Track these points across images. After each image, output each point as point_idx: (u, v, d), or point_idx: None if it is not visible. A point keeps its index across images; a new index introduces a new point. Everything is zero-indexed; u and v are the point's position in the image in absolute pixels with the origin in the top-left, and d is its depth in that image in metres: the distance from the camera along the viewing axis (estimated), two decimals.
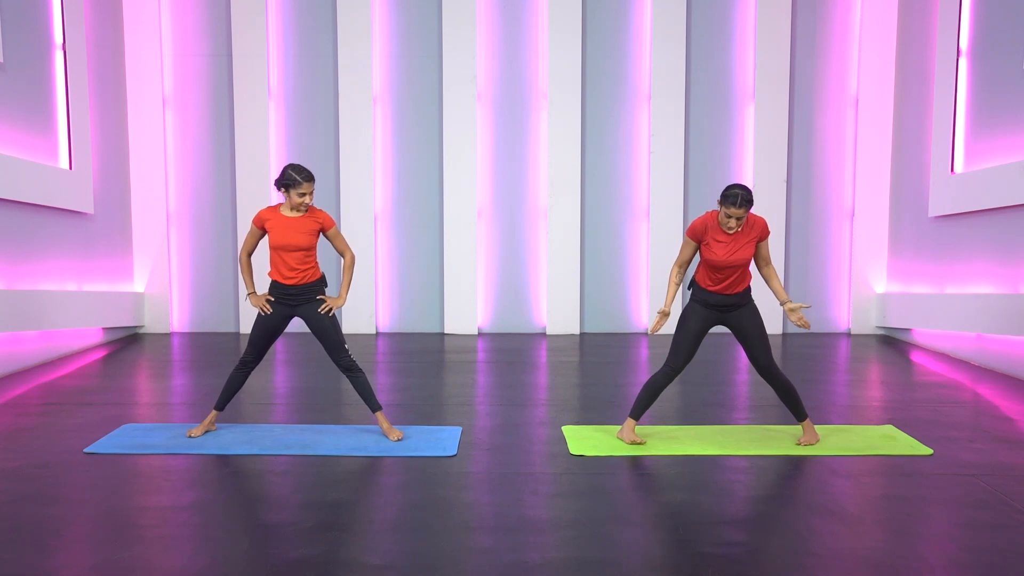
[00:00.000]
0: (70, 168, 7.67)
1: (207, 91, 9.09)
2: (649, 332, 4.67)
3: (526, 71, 9.17)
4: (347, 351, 4.81)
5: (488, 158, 9.21)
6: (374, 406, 4.88)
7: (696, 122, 9.23)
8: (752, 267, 4.75)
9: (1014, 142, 6.95)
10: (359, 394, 4.87)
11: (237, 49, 8.92)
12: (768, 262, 4.67)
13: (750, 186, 8.86)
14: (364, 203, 9.07)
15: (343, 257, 4.88)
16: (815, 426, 5.13)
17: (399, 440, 4.80)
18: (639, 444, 4.70)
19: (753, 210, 5.44)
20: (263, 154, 8.97)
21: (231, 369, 4.93)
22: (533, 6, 9.12)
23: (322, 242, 4.99)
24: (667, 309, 4.63)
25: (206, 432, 4.90)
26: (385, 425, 4.87)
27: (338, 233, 4.85)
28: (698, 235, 4.58)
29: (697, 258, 4.73)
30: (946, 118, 7.82)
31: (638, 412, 4.77)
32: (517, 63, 9.16)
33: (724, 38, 9.20)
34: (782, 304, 4.65)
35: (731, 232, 4.51)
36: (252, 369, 4.89)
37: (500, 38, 9.14)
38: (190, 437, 4.82)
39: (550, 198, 9.10)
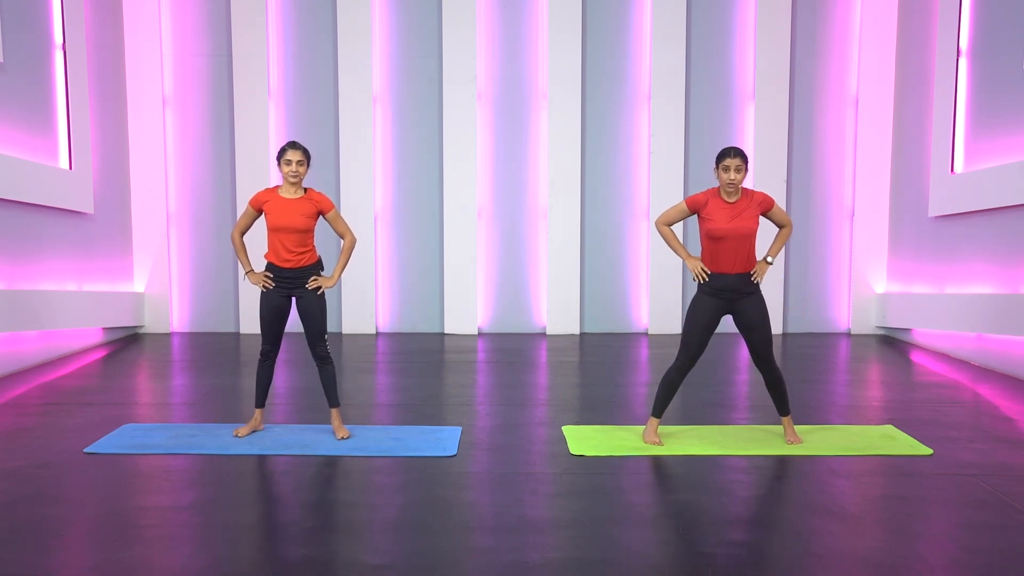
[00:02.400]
0: (70, 168, 7.67)
1: (207, 91, 9.09)
2: (704, 278, 4.59)
3: (526, 71, 9.17)
4: (326, 342, 4.83)
5: (488, 158, 9.21)
6: (333, 401, 4.89)
7: (696, 122, 9.22)
8: (757, 255, 4.75)
9: (1014, 142, 6.95)
10: (323, 385, 4.88)
11: (237, 49, 8.92)
12: (783, 223, 4.71)
13: (750, 184, 8.87)
14: (364, 203, 9.07)
15: (343, 239, 4.88)
16: (810, 427, 5.16)
17: (345, 439, 4.81)
18: (658, 444, 4.71)
19: None
20: (263, 154, 8.97)
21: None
22: (533, 6, 9.12)
23: (323, 229, 4.98)
24: (689, 254, 4.65)
25: (253, 432, 4.94)
26: (336, 423, 4.88)
27: (338, 215, 4.83)
28: (697, 206, 4.58)
29: (698, 250, 4.73)
30: (946, 118, 7.82)
31: (659, 410, 4.78)
32: (517, 63, 9.16)
33: (724, 38, 9.20)
34: (766, 257, 4.65)
35: (731, 191, 4.50)
36: (275, 358, 4.91)
37: (500, 38, 9.14)
38: (236, 436, 4.86)
39: (550, 198, 9.10)
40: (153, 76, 8.95)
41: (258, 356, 4.93)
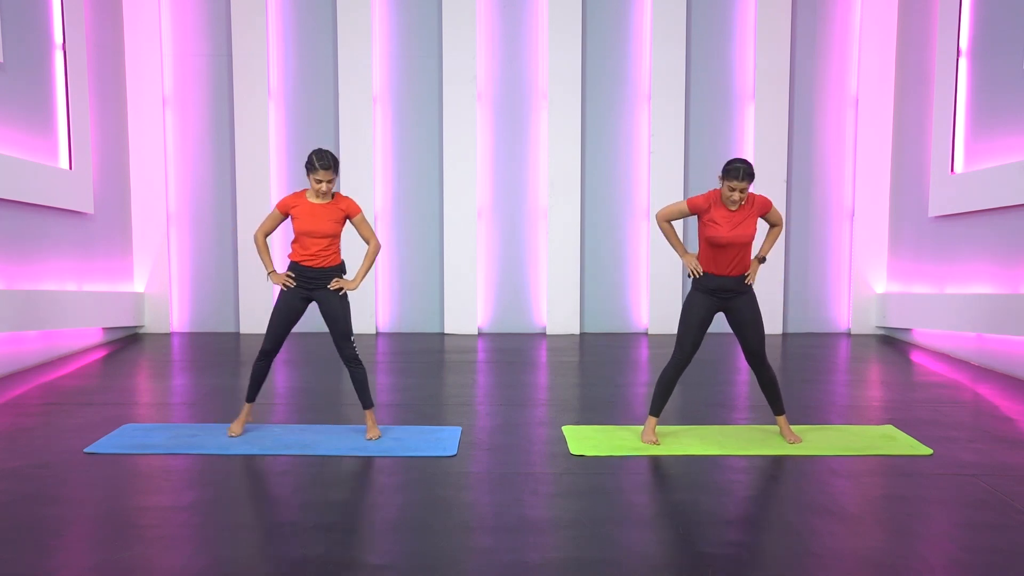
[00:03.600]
0: (70, 168, 7.67)
1: (207, 91, 9.09)
2: (698, 274, 4.65)
3: (526, 71, 9.17)
4: (353, 342, 4.83)
5: (488, 158, 9.21)
6: (367, 403, 4.89)
7: (696, 122, 9.22)
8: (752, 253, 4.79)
9: (1014, 142, 6.95)
10: (355, 388, 4.88)
11: (237, 49, 8.92)
12: (777, 223, 4.73)
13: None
14: (364, 203, 9.04)
15: (368, 244, 4.88)
16: (810, 426, 5.16)
17: (376, 439, 4.82)
18: (656, 444, 4.71)
19: None
20: (263, 154, 8.97)
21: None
22: (533, 6, 9.12)
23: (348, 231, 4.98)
24: (685, 251, 4.70)
25: (246, 423, 4.95)
26: (370, 422, 4.89)
27: (364, 220, 4.85)
28: (698, 209, 4.59)
29: (695, 248, 4.76)
30: (946, 118, 7.82)
31: (657, 409, 4.79)
32: (517, 63, 9.16)
33: (724, 38, 9.20)
34: (759, 256, 4.70)
35: (734, 209, 4.52)
36: (272, 359, 4.90)
37: (500, 38, 9.14)
38: (231, 436, 4.85)
39: (550, 198, 9.10)
40: (153, 76, 8.94)
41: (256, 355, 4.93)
